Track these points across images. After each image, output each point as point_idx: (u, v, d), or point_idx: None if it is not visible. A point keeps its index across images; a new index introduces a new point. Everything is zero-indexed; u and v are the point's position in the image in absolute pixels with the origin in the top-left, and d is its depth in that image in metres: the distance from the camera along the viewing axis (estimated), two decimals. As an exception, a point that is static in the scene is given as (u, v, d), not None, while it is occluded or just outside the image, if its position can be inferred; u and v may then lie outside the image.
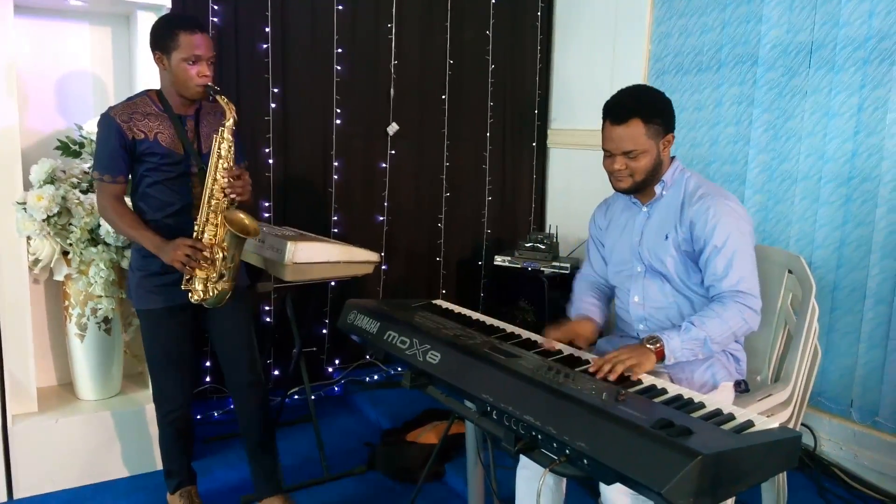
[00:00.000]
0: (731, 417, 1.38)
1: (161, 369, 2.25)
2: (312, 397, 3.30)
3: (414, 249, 3.91)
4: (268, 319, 3.45)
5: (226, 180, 2.06)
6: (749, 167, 3.04)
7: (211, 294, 2.10)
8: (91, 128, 2.64)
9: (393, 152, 3.76)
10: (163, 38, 2.08)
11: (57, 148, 2.64)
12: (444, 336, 1.80)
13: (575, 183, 4.06)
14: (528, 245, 3.70)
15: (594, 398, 1.39)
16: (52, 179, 2.51)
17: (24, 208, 2.46)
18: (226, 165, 2.07)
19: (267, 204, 3.40)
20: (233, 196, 2.08)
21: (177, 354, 2.23)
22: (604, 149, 1.89)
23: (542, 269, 3.59)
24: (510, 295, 3.81)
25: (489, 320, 2.05)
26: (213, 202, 2.06)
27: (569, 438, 1.30)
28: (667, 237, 1.86)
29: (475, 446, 2.19)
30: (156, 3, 2.64)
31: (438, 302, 2.29)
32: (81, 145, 2.64)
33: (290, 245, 2.45)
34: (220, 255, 2.07)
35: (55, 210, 2.45)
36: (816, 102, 2.82)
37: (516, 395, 1.45)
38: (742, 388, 1.81)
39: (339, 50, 3.52)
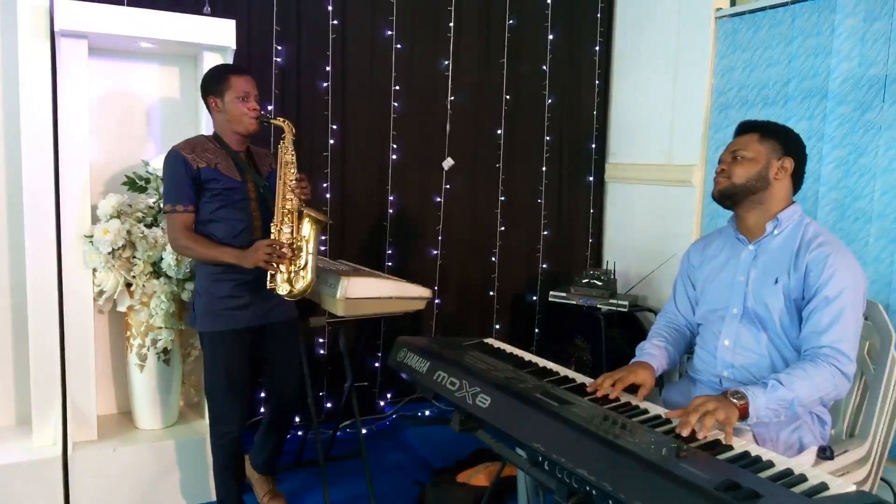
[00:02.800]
0: (803, 479, 1.28)
1: (220, 391, 2.36)
2: (364, 431, 3.31)
3: (467, 284, 3.88)
4: (321, 352, 3.46)
5: (294, 182, 2.27)
6: (819, 205, 2.90)
7: (295, 286, 2.25)
8: (157, 164, 2.73)
9: (448, 186, 3.76)
10: (215, 83, 2.35)
11: (124, 183, 2.75)
12: (494, 378, 1.75)
13: (633, 218, 3.97)
14: (584, 281, 3.62)
15: (652, 453, 1.31)
16: (118, 214, 2.60)
17: (91, 241, 2.55)
18: (292, 170, 2.29)
19: (324, 237, 3.44)
20: (301, 195, 2.28)
21: (236, 376, 2.35)
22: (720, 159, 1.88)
23: (598, 305, 3.50)
24: (565, 332, 3.72)
25: (542, 362, 1.99)
26: (286, 204, 2.27)
27: (625, 497, 1.23)
28: (777, 281, 1.76)
29: (526, 494, 2.12)
30: (221, 44, 2.73)
31: (490, 341, 2.25)
32: (147, 181, 2.73)
33: (343, 280, 2.45)
34: (303, 245, 2.26)
35: (120, 243, 2.54)
36: (892, 138, 2.68)
37: (569, 446, 1.39)
38: (826, 455, 1.67)
39: (397, 87, 3.57)
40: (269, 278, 2.25)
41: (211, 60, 2.77)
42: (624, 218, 4.06)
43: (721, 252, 1.93)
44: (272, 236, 2.25)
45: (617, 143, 4.11)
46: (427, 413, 3.63)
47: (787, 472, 1.31)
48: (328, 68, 3.40)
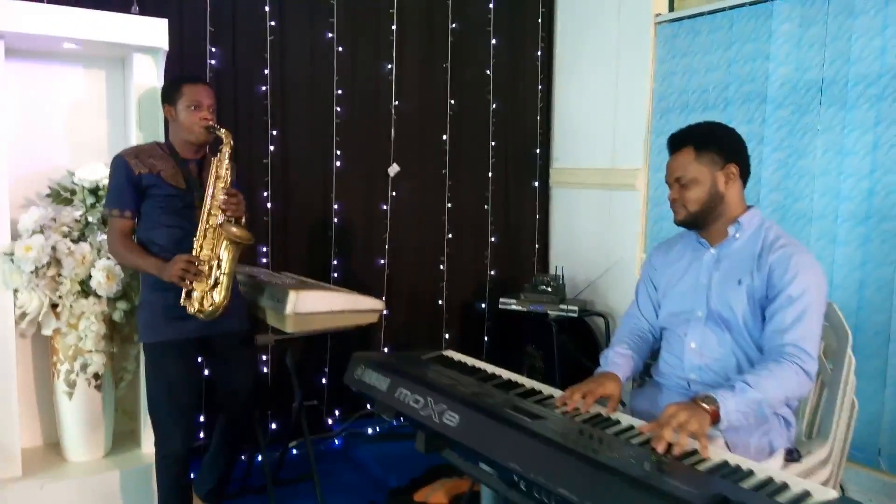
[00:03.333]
0: (785, 487, 1.26)
1: (163, 406, 2.26)
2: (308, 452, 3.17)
3: (416, 293, 3.79)
4: (264, 370, 3.30)
5: (222, 198, 2.20)
6: (761, 206, 2.96)
7: (206, 305, 2.17)
8: (83, 174, 2.54)
9: (394, 194, 3.67)
10: (169, 92, 2.30)
11: (48, 195, 2.54)
12: (460, 394, 1.68)
13: (579, 223, 3.98)
14: (534, 287, 3.60)
15: (636, 468, 1.26)
16: (41, 229, 2.40)
17: (12, 259, 2.34)
18: (222, 186, 2.22)
19: (265, 249, 3.29)
20: (227, 213, 2.20)
21: (179, 390, 2.26)
22: (665, 181, 1.85)
23: (548, 312, 3.48)
24: (516, 339, 3.69)
25: (507, 374, 1.93)
26: (210, 219, 2.19)
27: (611, 516, 1.17)
28: (740, 283, 1.76)
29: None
30: (152, 45, 2.56)
31: (450, 353, 2.17)
32: (73, 192, 2.53)
33: (291, 294, 2.33)
34: (215, 264, 2.18)
35: (45, 261, 2.34)
36: (829, 140, 2.76)
37: (547, 464, 1.33)
38: (794, 457, 1.67)
39: (339, 91, 3.46)
40: (183, 295, 2.17)
41: (141, 63, 2.60)
42: (569, 223, 4.07)
43: (683, 256, 1.93)
44: (194, 252, 2.18)
45: (560, 148, 4.12)
46: (377, 430, 3.51)
47: (769, 481, 1.29)
48: (266, 71, 3.26)
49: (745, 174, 1.85)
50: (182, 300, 2.17)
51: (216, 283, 2.17)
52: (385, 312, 3.65)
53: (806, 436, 1.92)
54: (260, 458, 2.70)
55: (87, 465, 2.57)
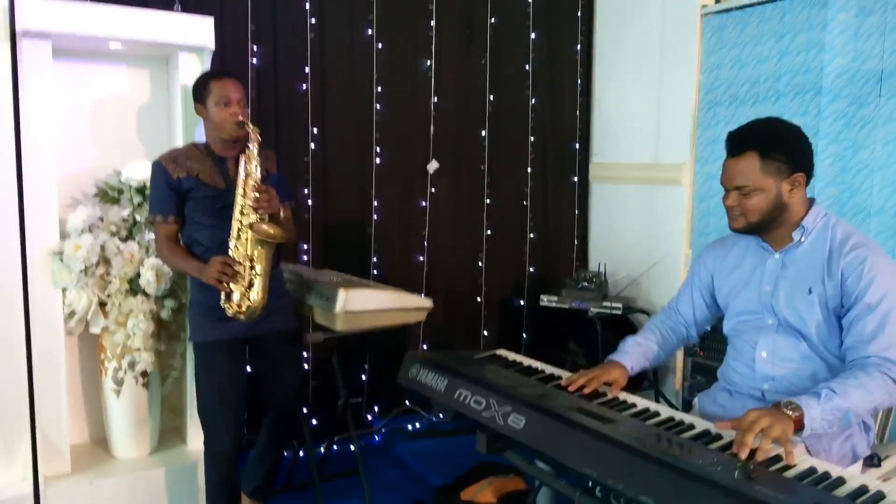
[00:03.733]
0: (881, 496, 1.20)
1: (212, 406, 2.25)
2: (353, 448, 3.15)
3: (454, 290, 3.75)
4: (305, 366, 3.29)
5: (253, 196, 2.15)
6: (817, 201, 2.87)
7: (243, 307, 2.13)
8: (129, 173, 2.54)
9: (433, 190, 3.63)
10: (199, 90, 2.26)
11: (95, 195, 2.54)
12: (522, 396, 1.64)
13: (620, 219, 3.91)
14: (575, 284, 3.54)
15: (723, 475, 1.21)
16: (90, 228, 2.40)
17: (61, 258, 2.34)
18: (252, 183, 2.17)
19: (306, 246, 3.28)
20: (260, 210, 2.16)
21: (228, 390, 2.25)
22: (723, 187, 1.74)
23: (591, 309, 3.42)
24: (557, 337, 3.63)
25: (567, 375, 1.88)
26: (243, 219, 2.15)
27: (702, 526, 1.12)
28: (811, 291, 1.66)
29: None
30: (198, 44, 2.55)
31: (502, 352, 2.13)
32: (120, 191, 2.53)
33: (341, 293, 2.30)
34: (248, 264, 2.14)
35: (94, 260, 2.34)
36: (889, 132, 2.67)
37: (627, 470, 1.28)
38: (874, 462, 1.59)
39: (379, 89, 3.43)
40: (223, 297, 2.15)
41: (187, 61, 2.58)
42: (610, 219, 4.00)
43: (744, 260, 1.83)
44: (230, 253, 2.15)
45: (601, 143, 4.05)
46: (416, 426, 3.49)
47: (863, 489, 1.22)
48: (307, 69, 3.24)
49: (810, 178, 1.74)
50: (222, 302, 2.15)
51: (251, 284, 2.13)
52: (424, 310, 3.62)
53: (878, 439, 1.84)
54: (304, 454, 2.69)
55: (134, 461, 2.57)
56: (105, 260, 2.39)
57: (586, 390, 1.71)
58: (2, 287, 2.29)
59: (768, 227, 1.70)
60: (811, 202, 1.74)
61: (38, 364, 2.33)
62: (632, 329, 3.52)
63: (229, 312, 2.14)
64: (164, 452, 2.66)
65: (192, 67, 2.60)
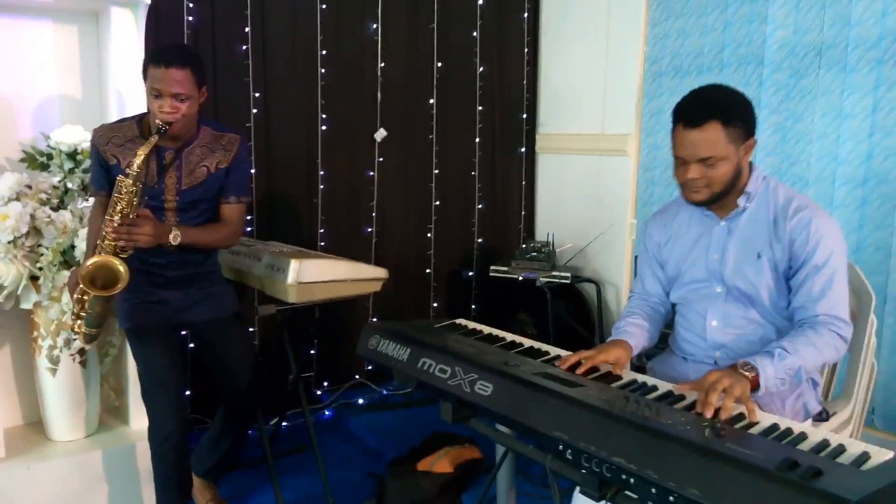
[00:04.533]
0: (842, 449, 1.24)
1: (152, 391, 2.13)
2: (302, 424, 3.09)
3: (404, 261, 3.71)
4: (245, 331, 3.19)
5: (116, 222, 1.90)
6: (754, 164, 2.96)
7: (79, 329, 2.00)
8: (59, 137, 2.36)
9: (381, 159, 3.56)
10: (143, 68, 2.02)
11: (22, 160, 2.36)
12: (487, 363, 1.62)
13: (566, 189, 3.94)
14: (523, 254, 3.55)
15: (694, 435, 1.23)
16: (17, 196, 2.23)
17: (-13, 228, 2.17)
18: (121, 207, 1.91)
19: (250, 217, 3.15)
20: (116, 244, 1.91)
21: (164, 375, 2.12)
22: (676, 156, 1.68)
23: (540, 279, 3.45)
24: (507, 307, 3.66)
25: (527, 341, 1.88)
26: (105, 242, 1.92)
27: (675, 485, 1.14)
28: (759, 256, 1.69)
29: (509, 479, 2.02)
30: (131, -2, 2.39)
31: (462, 321, 2.11)
32: (49, 156, 2.36)
33: (293, 263, 2.23)
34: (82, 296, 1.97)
35: (24, 230, 2.17)
36: (828, 104, 2.76)
37: (599, 433, 1.29)
38: (822, 417, 1.67)
39: (324, 52, 3.31)
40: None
41: (119, 17, 2.41)
42: (556, 189, 4.02)
43: (688, 228, 1.84)
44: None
45: (547, 114, 4.05)
46: (367, 400, 3.45)
47: (825, 443, 1.27)
48: (247, 29, 3.08)
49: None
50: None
51: (79, 317, 1.99)
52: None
53: (823, 396, 1.93)
54: (254, 431, 2.62)
55: (72, 444, 2.44)
56: (35, 230, 2.23)
57: (580, 370, 1.63)
58: (-81, 261, 2.10)
59: (727, 195, 1.70)
60: (751, 166, 1.75)
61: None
62: (580, 299, 3.59)
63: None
64: (104, 434, 2.54)
65: (124, 24, 2.44)
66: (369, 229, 3.57)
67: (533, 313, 3.50)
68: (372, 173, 3.54)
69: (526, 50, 4.00)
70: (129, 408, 2.56)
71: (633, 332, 1.83)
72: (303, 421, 3.08)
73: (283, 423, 3.12)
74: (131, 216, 1.90)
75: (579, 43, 3.80)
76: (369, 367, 3.59)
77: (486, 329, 2.00)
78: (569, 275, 3.43)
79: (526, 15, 3.97)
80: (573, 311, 3.50)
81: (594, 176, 3.75)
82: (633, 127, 3.53)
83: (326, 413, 3.36)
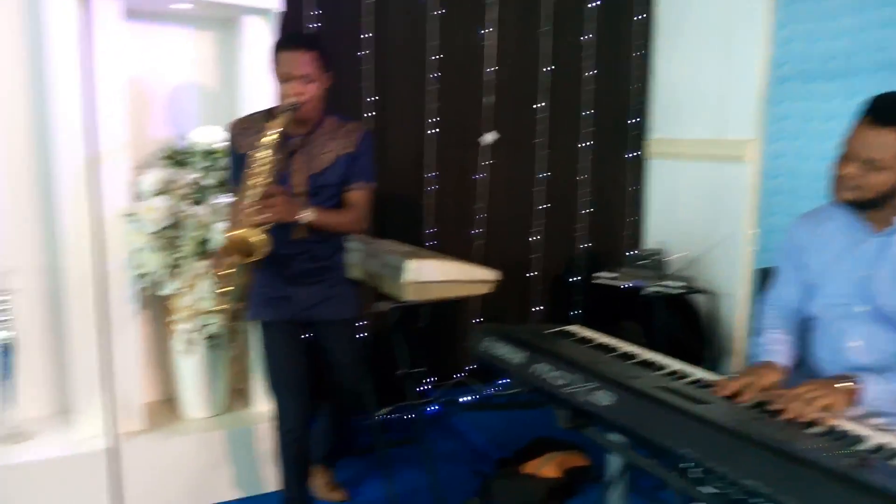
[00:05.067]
0: None
1: (276, 386, 2.22)
2: (407, 417, 3.19)
3: (508, 264, 3.68)
4: (358, 335, 3.31)
5: (249, 197, 1.92)
6: None
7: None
8: (197, 137, 2.55)
9: (488, 162, 3.59)
10: (271, 57, 2.10)
11: (164, 158, 2.55)
12: (605, 372, 1.62)
13: (678, 196, 3.82)
14: (632, 262, 3.48)
15: (835, 461, 1.18)
16: (162, 191, 2.42)
17: (134, 220, 2.37)
18: (253, 182, 1.93)
19: (363, 216, 3.27)
20: (258, 216, 1.92)
21: (288, 372, 2.20)
22: (844, 149, 1.61)
23: (649, 287, 3.37)
24: (611, 315, 3.60)
25: (644, 352, 1.85)
26: (241, 217, 1.93)
27: (816, 512, 1.10)
28: None
29: (623, 491, 2.00)
30: (264, 6, 2.53)
31: (573, 329, 2.11)
32: (188, 155, 2.54)
33: (410, 263, 2.30)
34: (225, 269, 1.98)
35: (167, 223, 2.36)
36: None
37: (728, 453, 1.26)
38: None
39: (437, 56, 3.38)
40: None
41: (252, 24, 2.56)
42: (668, 196, 3.92)
43: (835, 237, 1.74)
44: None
45: (659, 118, 3.95)
46: (472, 398, 3.50)
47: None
48: (365, 35, 3.20)
49: None
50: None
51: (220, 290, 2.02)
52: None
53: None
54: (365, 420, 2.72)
55: (203, 421, 2.63)
56: (176, 223, 2.41)
57: (742, 398, 1.52)
58: (78, 248, 2.33)
59: (875, 205, 1.61)
60: None
61: (113, 324, 2.38)
62: (691, 310, 3.48)
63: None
64: (232, 413, 2.72)
65: (257, 30, 2.59)
66: (475, 231, 3.61)
67: (640, 322, 3.43)
68: (480, 176, 3.58)
69: (639, 53, 3.92)
70: (253, 391, 2.72)
71: (781, 351, 1.75)
72: (407, 415, 3.19)
73: (393, 415, 3.22)
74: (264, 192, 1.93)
75: (696, 45, 3.68)
76: (473, 367, 3.64)
77: (600, 337, 1.99)
78: (680, 284, 3.34)
79: (639, 18, 3.88)
80: (683, 323, 3.40)
81: (709, 183, 3.62)
82: (755, 132, 3.39)
83: (431, 409, 3.44)
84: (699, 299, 3.48)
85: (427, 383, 3.52)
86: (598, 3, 3.74)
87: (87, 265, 2.33)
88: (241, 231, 1.90)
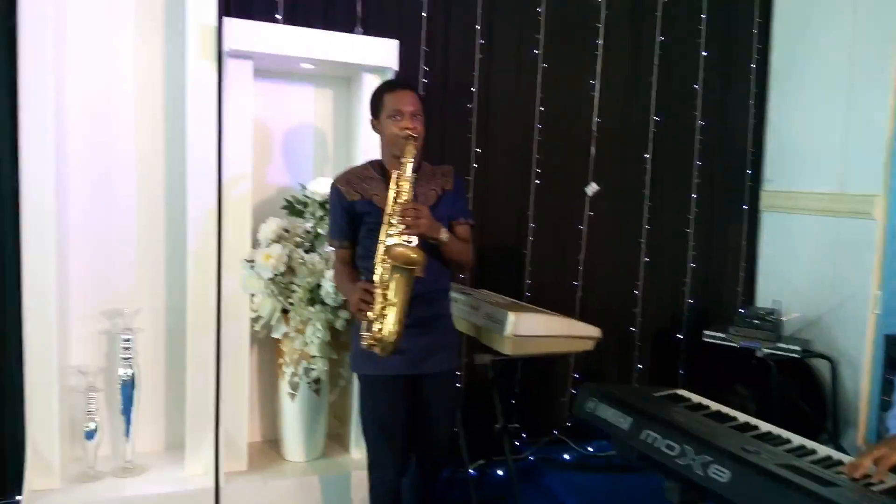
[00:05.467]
0: None
1: (374, 437, 2.18)
2: (500, 473, 3.12)
3: (608, 318, 3.59)
4: (457, 385, 3.30)
5: (398, 216, 1.95)
6: None
7: (376, 339, 1.90)
8: (314, 187, 2.67)
9: (591, 213, 3.55)
10: (374, 105, 2.17)
11: (283, 207, 2.69)
12: (722, 444, 1.52)
13: (795, 252, 3.61)
14: (744, 321, 3.30)
15: None
16: (279, 238, 2.54)
17: (252, 266, 2.49)
18: (401, 200, 1.97)
19: (463, 265, 3.29)
20: (404, 230, 1.93)
21: (388, 423, 2.15)
22: None
23: (763, 349, 3.17)
24: (719, 377, 3.41)
25: (766, 426, 1.74)
26: (387, 240, 1.95)
27: None
28: None
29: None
30: (382, 65, 2.65)
31: (683, 392, 2.02)
32: (305, 205, 2.66)
33: (511, 316, 2.28)
34: (380, 291, 1.90)
35: (282, 269, 2.47)
36: None
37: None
38: None
39: (542, 108, 3.41)
40: (363, 326, 1.94)
41: (370, 82, 2.68)
42: (783, 251, 3.71)
43: None
44: (375, 278, 1.94)
45: (775, 169, 3.78)
46: (567, 457, 3.39)
47: None
48: (473, 89, 3.27)
49: None
50: (362, 330, 1.94)
51: (383, 314, 1.89)
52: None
53: None
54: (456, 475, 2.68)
55: (301, 465, 2.68)
56: (290, 269, 2.52)
57: (876, 476, 1.40)
58: (200, 290, 2.47)
59: None
60: None
61: (225, 364, 2.50)
62: (810, 376, 3.25)
63: (363, 344, 1.93)
64: (330, 459, 2.75)
65: (375, 87, 2.69)
66: (575, 283, 3.55)
67: (752, 387, 3.23)
68: (581, 227, 3.54)
69: (752, 101, 3.79)
70: (350, 437, 2.76)
71: None
72: (499, 470, 3.12)
73: (473, 472, 3.16)
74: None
75: (815, 93, 3.52)
76: (568, 424, 3.54)
77: (713, 405, 1.89)
78: (798, 348, 3.12)
79: (753, 65, 3.77)
80: (802, 390, 3.17)
81: (830, 239, 3.41)
82: (881, 187, 3.17)
83: (524, 464, 3.35)
84: (818, 364, 3.24)
85: (521, 439, 3.44)
86: (707, 51, 3.66)
87: (208, 307, 2.47)
88: (399, 243, 1.91)
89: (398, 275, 1.88)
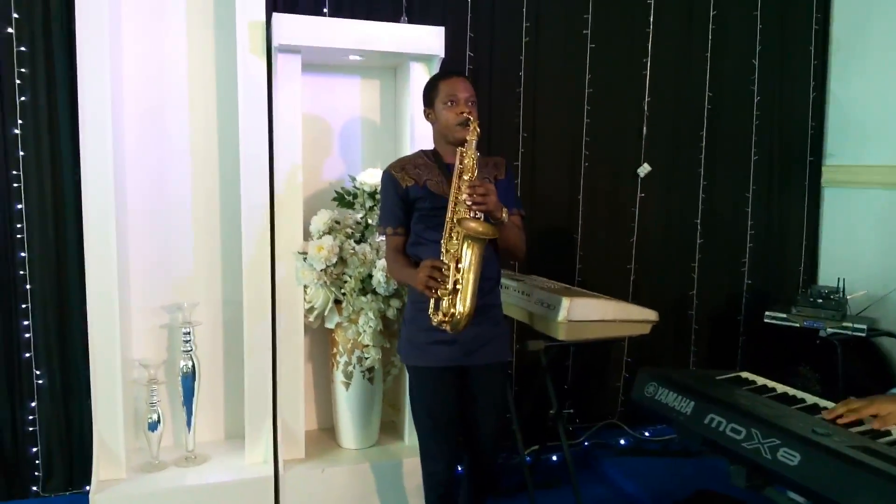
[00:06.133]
0: None
1: (424, 428, 2.16)
2: (553, 458, 3.10)
3: (663, 301, 3.53)
4: (508, 373, 3.28)
5: (467, 191, 1.94)
6: None
7: (447, 316, 1.89)
8: (363, 178, 2.67)
9: (643, 195, 3.47)
10: (428, 93, 2.16)
11: (334, 199, 2.71)
12: (790, 427, 1.47)
13: (859, 229, 3.47)
14: (808, 301, 3.18)
15: None
16: (330, 230, 2.56)
17: (304, 258, 2.52)
18: (467, 178, 1.96)
19: (514, 251, 3.27)
20: (471, 205, 1.92)
21: (439, 415, 2.12)
22: None
23: (827, 329, 3.06)
24: (781, 358, 3.30)
25: (833, 406, 1.67)
26: (455, 216, 1.95)
27: None
28: None
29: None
30: (429, 53, 2.63)
31: (747, 375, 1.96)
32: (354, 196, 2.68)
33: (564, 301, 2.25)
34: (453, 265, 1.90)
35: (334, 260, 2.49)
36: None
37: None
38: None
39: (591, 90, 3.34)
40: (431, 306, 1.93)
41: (417, 71, 2.67)
42: (847, 228, 3.56)
43: None
44: (441, 256, 1.94)
45: (837, 143, 3.63)
46: (622, 442, 3.34)
47: None
48: (521, 73, 3.23)
49: None
50: (430, 311, 1.94)
51: (455, 289, 1.88)
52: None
53: None
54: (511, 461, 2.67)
55: (357, 453, 2.71)
56: (342, 260, 2.54)
57: (841, 420, 1.56)
58: (255, 283, 2.52)
59: None
60: None
61: (281, 355, 2.55)
62: (878, 355, 3.12)
63: (434, 321, 1.93)
64: (383, 447, 2.77)
65: (422, 76, 2.68)
66: (628, 266, 3.48)
67: (816, 368, 3.11)
68: (633, 209, 3.46)
69: (812, 73, 3.64)
70: (404, 424, 2.78)
71: None
72: (554, 456, 3.10)
73: (542, 456, 3.15)
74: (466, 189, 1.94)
75: (877, 64, 3.36)
76: (622, 409, 3.49)
77: (780, 387, 1.83)
78: (864, 326, 2.99)
79: (813, 37, 3.61)
80: (867, 370, 3.04)
81: (892, 213, 3.25)
82: (952, 158, 3.01)
83: (579, 450, 3.32)
84: (885, 343, 3.10)
85: (574, 424, 3.41)
86: (763, 24, 3.52)
87: (264, 299, 2.53)
88: (468, 217, 1.92)
89: (470, 247, 1.88)
